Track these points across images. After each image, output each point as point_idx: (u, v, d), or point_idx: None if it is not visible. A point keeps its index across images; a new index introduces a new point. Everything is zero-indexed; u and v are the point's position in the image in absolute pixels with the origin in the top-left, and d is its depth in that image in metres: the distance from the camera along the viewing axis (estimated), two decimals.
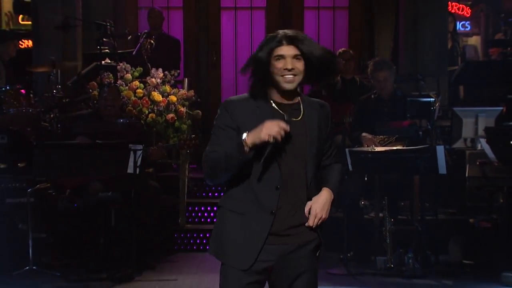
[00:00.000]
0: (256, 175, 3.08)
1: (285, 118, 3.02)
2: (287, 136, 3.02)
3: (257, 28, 10.67)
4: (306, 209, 3.12)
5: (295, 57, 3.07)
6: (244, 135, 2.98)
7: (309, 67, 3.09)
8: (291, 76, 3.06)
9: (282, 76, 3.06)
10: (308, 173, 3.12)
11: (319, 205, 3.13)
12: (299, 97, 3.17)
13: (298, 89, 3.18)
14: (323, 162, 3.28)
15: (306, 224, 3.12)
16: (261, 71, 3.10)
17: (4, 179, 6.32)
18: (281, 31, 3.13)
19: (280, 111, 3.09)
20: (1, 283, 5.69)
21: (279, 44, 3.09)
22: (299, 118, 3.13)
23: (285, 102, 3.13)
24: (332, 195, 3.20)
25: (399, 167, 6.13)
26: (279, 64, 3.07)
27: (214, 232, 3.21)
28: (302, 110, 3.15)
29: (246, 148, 2.97)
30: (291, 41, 3.08)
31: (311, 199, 3.14)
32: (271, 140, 2.95)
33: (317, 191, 3.17)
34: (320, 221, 3.14)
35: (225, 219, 3.17)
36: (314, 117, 3.17)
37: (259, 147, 2.99)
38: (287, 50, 3.08)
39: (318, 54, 3.09)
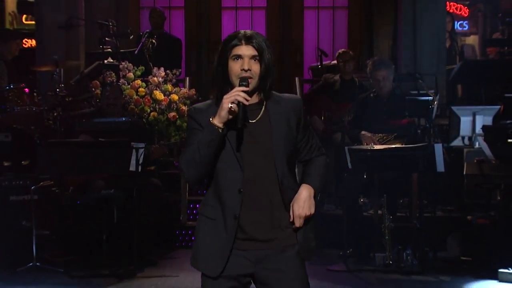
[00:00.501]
0: (220, 178, 3.01)
1: (238, 124, 2.91)
2: (248, 137, 2.97)
3: (257, 28, 10.69)
4: (291, 213, 3.04)
5: (252, 57, 2.98)
6: (210, 119, 2.92)
7: (263, 70, 2.99)
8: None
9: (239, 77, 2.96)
10: (279, 173, 3.01)
11: (299, 205, 3.03)
12: (262, 96, 3.04)
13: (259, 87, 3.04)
14: (304, 157, 3.19)
15: (293, 227, 3.03)
16: (220, 73, 3.02)
17: (8, 176, 6.33)
18: (242, 31, 3.03)
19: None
20: (5, 279, 5.70)
21: (238, 43, 2.99)
22: (257, 119, 3.02)
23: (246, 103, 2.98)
24: (312, 190, 3.09)
25: (397, 165, 6.12)
26: (237, 65, 2.97)
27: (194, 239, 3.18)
28: (263, 109, 3.04)
29: (216, 127, 2.90)
30: (249, 41, 2.98)
31: (288, 199, 3.04)
32: (234, 106, 2.87)
33: (298, 188, 3.08)
34: (304, 219, 3.04)
35: (199, 225, 3.11)
36: (282, 114, 3.05)
37: (230, 125, 2.92)
38: (245, 50, 2.98)
39: (268, 57, 3.00)
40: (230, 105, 2.88)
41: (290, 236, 3.05)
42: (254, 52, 2.98)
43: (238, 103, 2.89)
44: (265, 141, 3.02)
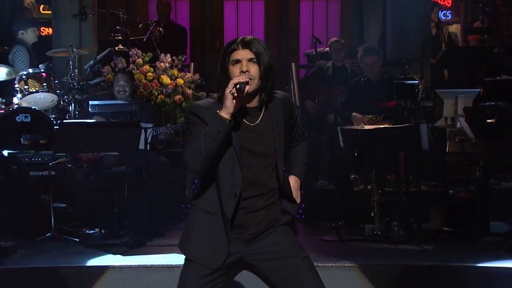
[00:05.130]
0: (219, 179, 2.93)
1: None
2: (251, 139, 2.92)
3: (256, 17, 10.66)
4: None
5: (250, 60, 2.91)
6: (217, 111, 2.84)
7: (262, 71, 2.92)
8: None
9: None
10: (280, 170, 2.97)
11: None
12: (264, 97, 2.97)
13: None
14: (292, 144, 3.19)
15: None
16: (223, 79, 2.94)
17: (28, 154, 6.32)
18: (240, 37, 2.98)
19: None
20: (26, 247, 5.72)
21: (235, 48, 2.94)
22: (258, 121, 2.96)
23: (246, 105, 2.94)
24: (299, 182, 3.16)
25: (386, 144, 6.11)
26: (236, 69, 2.91)
27: (185, 228, 3.08)
28: (263, 111, 2.97)
29: (223, 119, 2.82)
30: (246, 45, 2.92)
31: (287, 189, 3.06)
32: (234, 90, 2.79)
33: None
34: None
35: (195, 216, 3.02)
36: (279, 113, 3.00)
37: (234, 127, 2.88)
38: (243, 54, 2.92)
39: (267, 60, 2.94)
40: (230, 90, 2.80)
41: (277, 214, 3.04)
42: (251, 55, 2.91)
43: (238, 85, 2.82)
44: (267, 143, 2.95)
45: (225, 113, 2.83)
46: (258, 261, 2.99)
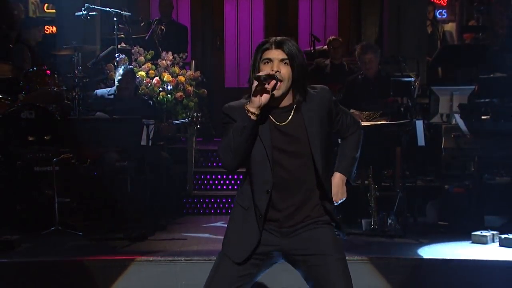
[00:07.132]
0: (253, 177, 2.93)
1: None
2: (282, 138, 2.88)
3: (256, 16, 10.61)
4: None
5: (282, 61, 2.86)
6: (244, 106, 2.83)
7: (294, 72, 2.87)
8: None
9: None
10: (318, 168, 2.90)
11: (333, 192, 3.02)
12: (299, 98, 2.91)
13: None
14: (342, 135, 3.13)
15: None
16: (253, 75, 2.89)
17: (32, 150, 6.31)
18: (273, 37, 2.93)
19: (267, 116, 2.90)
20: (31, 240, 5.72)
21: (268, 48, 2.89)
22: (289, 120, 2.90)
23: (276, 106, 2.91)
24: (344, 177, 3.07)
25: (383, 140, 6.11)
26: (267, 68, 2.85)
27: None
28: (293, 110, 2.91)
29: (249, 114, 2.80)
30: (279, 45, 2.87)
31: (328, 187, 2.99)
32: (262, 78, 2.77)
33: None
34: (337, 203, 3.05)
35: (233, 214, 3.06)
36: (315, 111, 2.92)
37: (264, 126, 2.86)
38: (275, 54, 2.87)
39: (299, 62, 2.89)
40: (255, 82, 2.78)
41: (317, 213, 2.99)
42: (284, 56, 2.87)
43: (260, 77, 2.78)
44: (301, 142, 2.90)
45: (251, 107, 2.81)
46: (294, 255, 2.98)
